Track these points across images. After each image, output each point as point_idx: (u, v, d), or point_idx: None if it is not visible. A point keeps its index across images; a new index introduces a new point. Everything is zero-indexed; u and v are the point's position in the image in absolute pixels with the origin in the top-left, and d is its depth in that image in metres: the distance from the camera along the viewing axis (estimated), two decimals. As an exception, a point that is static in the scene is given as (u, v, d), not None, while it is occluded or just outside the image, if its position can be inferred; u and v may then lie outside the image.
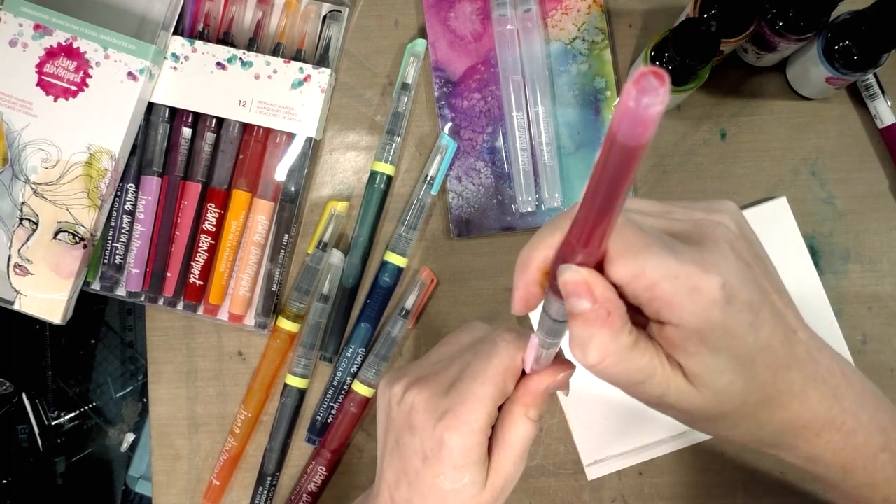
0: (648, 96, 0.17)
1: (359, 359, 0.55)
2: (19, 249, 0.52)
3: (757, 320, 0.28)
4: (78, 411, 0.99)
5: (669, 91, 0.17)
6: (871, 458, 0.32)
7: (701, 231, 0.28)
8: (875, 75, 0.55)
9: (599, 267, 0.27)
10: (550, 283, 0.27)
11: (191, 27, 0.55)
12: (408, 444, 0.34)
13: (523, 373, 0.34)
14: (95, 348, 1.00)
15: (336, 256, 0.55)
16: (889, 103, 0.55)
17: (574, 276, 0.25)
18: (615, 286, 0.27)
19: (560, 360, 0.34)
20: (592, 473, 0.54)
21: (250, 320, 0.55)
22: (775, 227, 0.55)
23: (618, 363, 0.27)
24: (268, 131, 0.55)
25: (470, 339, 0.37)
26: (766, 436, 0.31)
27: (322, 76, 0.54)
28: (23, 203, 0.52)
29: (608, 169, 0.20)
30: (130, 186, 0.54)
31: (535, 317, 0.55)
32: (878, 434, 0.32)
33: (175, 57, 0.54)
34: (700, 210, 0.30)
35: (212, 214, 0.54)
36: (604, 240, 0.24)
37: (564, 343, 0.30)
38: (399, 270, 0.55)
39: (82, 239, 0.52)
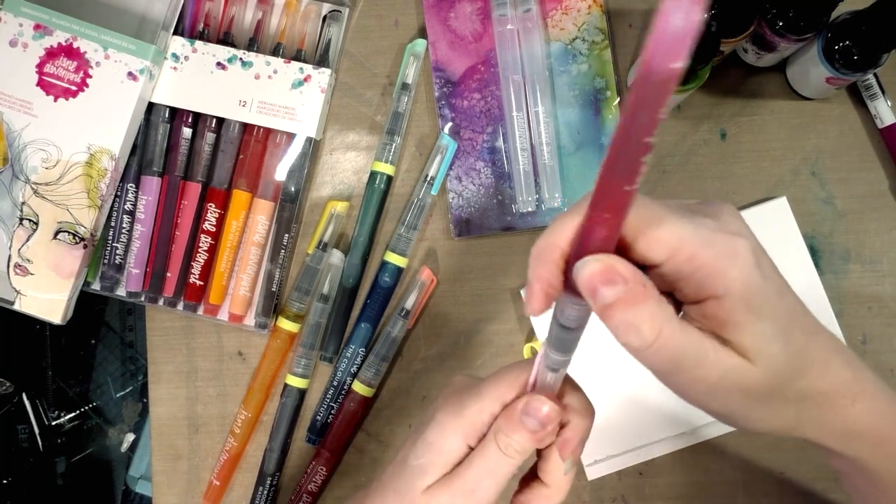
0: (685, 11, 0.17)
1: (359, 359, 0.55)
2: (19, 249, 0.52)
3: (783, 285, 0.28)
4: (78, 411, 0.99)
5: (704, 7, 0.17)
6: None
7: (710, 208, 0.28)
8: (875, 75, 0.55)
9: (625, 253, 0.26)
10: (565, 281, 0.26)
11: (191, 27, 0.55)
12: (416, 432, 0.34)
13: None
14: (95, 348, 1.00)
15: (336, 256, 0.55)
16: (889, 103, 0.55)
17: (594, 266, 0.24)
18: (647, 268, 0.26)
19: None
20: (592, 473, 0.54)
21: (250, 320, 0.55)
22: (775, 227, 0.55)
23: (672, 335, 0.25)
24: (268, 131, 0.55)
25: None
26: (808, 413, 0.30)
27: (322, 76, 0.54)
28: (23, 203, 0.52)
29: (637, 115, 0.19)
30: (130, 186, 0.54)
31: (538, 321, 0.55)
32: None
33: (175, 57, 0.54)
34: (702, 204, 0.30)
35: (212, 214, 0.54)
36: (628, 205, 0.22)
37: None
38: (399, 270, 0.55)
39: (82, 239, 0.52)
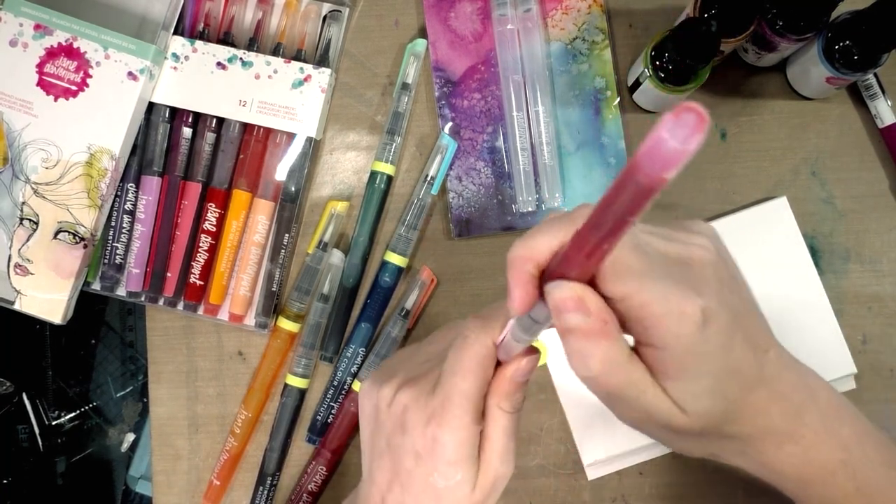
0: (686, 133, 0.17)
1: (359, 359, 0.55)
2: (20, 249, 0.52)
3: (729, 342, 0.29)
4: (78, 411, 0.99)
5: (704, 135, 0.17)
6: (830, 473, 0.32)
7: (687, 252, 0.29)
8: (875, 75, 0.55)
9: (591, 279, 0.27)
10: (540, 290, 0.27)
11: (191, 27, 0.55)
12: (400, 445, 0.34)
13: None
14: (95, 348, 1.00)
15: (336, 256, 0.55)
16: (889, 103, 0.55)
17: (565, 292, 0.26)
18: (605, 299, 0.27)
19: (524, 350, 0.34)
20: (592, 473, 0.54)
21: (250, 320, 0.55)
22: (775, 227, 0.55)
23: (617, 372, 0.27)
24: (268, 131, 0.55)
25: (451, 336, 0.37)
26: (730, 448, 0.32)
27: (322, 76, 0.54)
28: (23, 203, 0.52)
29: (621, 199, 0.20)
30: (131, 186, 0.54)
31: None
32: (838, 450, 0.32)
33: (175, 57, 0.54)
34: (682, 230, 0.31)
35: (212, 214, 0.54)
36: (604, 259, 0.24)
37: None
38: (399, 270, 0.55)
39: (82, 239, 0.52)
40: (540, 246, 0.28)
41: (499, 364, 0.34)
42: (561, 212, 0.31)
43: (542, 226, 0.28)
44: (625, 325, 0.28)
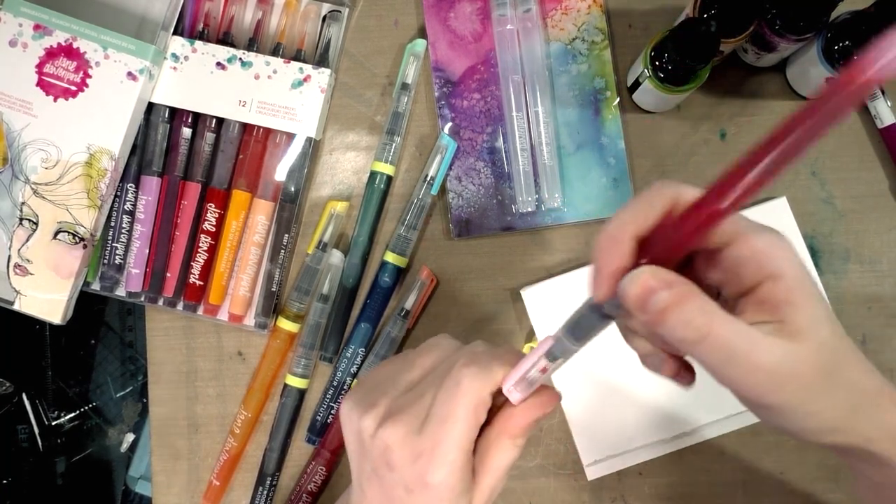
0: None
1: (359, 359, 0.55)
2: (19, 249, 0.52)
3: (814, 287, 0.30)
4: (78, 411, 0.99)
5: None
6: None
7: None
8: (875, 75, 0.55)
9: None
10: (636, 262, 0.28)
11: (191, 27, 0.55)
12: (387, 478, 0.33)
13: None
14: (95, 348, 1.00)
15: (336, 256, 0.55)
16: (889, 103, 0.55)
17: (642, 278, 0.27)
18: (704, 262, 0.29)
19: (545, 389, 0.34)
20: (592, 473, 0.54)
21: (250, 320, 0.55)
22: (775, 226, 0.55)
23: (722, 325, 0.27)
24: (268, 131, 0.55)
25: (435, 360, 0.36)
26: (862, 405, 0.30)
27: (322, 76, 0.54)
28: (23, 203, 0.52)
29: (824, 108, 0.22)
30: (130, 186, 0.54)
31: (537, 321, 0.55)
32: None
33: (175, 57, 0.54)
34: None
35: (212, 214, 0.54)
36: (749, 196, 0.26)
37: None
38: (399, 270, 0.55)
39: (82, 239, 0.52)
40: (629, 222, 0.28)
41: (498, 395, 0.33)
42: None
43: (630, 203, 0.29)
44: (723, 287, 0.29)
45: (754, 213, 0.55)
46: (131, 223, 0.55)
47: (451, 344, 0.37)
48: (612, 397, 0.54)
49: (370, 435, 0.33)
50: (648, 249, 0.28)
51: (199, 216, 0.55)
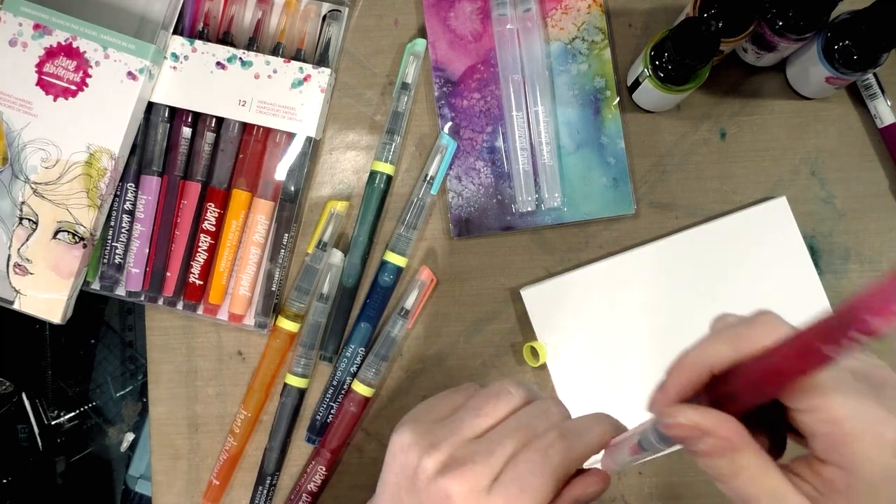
0: None
1: (358, 358, 0.55)
2: (19, 249, 0.52)
3: None
4: (78, 411, 0.99)
5: None
6: None
7: (878, 372, 0.27)
8: (875, 75, 0.55)
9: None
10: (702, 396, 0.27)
11: (191, 27, 0.55)
12: None
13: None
14: (95, 348, 1.00)
15: (336, 256, 0.55)
16: (889, 103, 0.55)
17: (678, 426, 0.26)
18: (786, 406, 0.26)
19: (595, 471, 0.33)
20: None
21: (250, 320, 0.55)
22: (775, 226, 0.55)
23: (749, 482, 0.26)
24: (268, 131, 0.55)
25: (508, 411, 0.34)
26: None
27: (322, 76, 0.54)
28: (22, 203, 0.52)
29: (833, 335, 0.20)
30: (130, 186, 0.54)
31: (537, 320, 0.55)
32: None
33: (175, 56, 0.54)
34: (873, 365, 0.29)
35: (211, 214, 0.54)
36: (792, 383, 0.24)
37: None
38: (399, 270, 0.55)
39: (82, 238, 0.52)
40: (710, 354, 0.27)
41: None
42: (734, 317, 0.30)
43: (720, 334, 0.28)
44: (808, 441, 0.27)
45: (754, 213, 0.55)
46: (131, 223, 0.55)
47: (521, 394, 0.35)
48: (613, 397, 0.54)
49: (428, 477, 0.32)
50: (721, 386, 0.27)
51: (198, 216, 0.55)
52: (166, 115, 0.54)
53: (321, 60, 0.56)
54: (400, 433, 0.34)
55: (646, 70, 0.51)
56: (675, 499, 0.55)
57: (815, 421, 0.26)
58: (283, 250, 0.55)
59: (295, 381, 0.55)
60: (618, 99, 0.56)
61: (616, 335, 0.54)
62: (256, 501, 0.54)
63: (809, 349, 0.22)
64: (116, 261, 0.54)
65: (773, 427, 0.30)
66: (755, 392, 0.26)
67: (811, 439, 0.26)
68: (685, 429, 0.26)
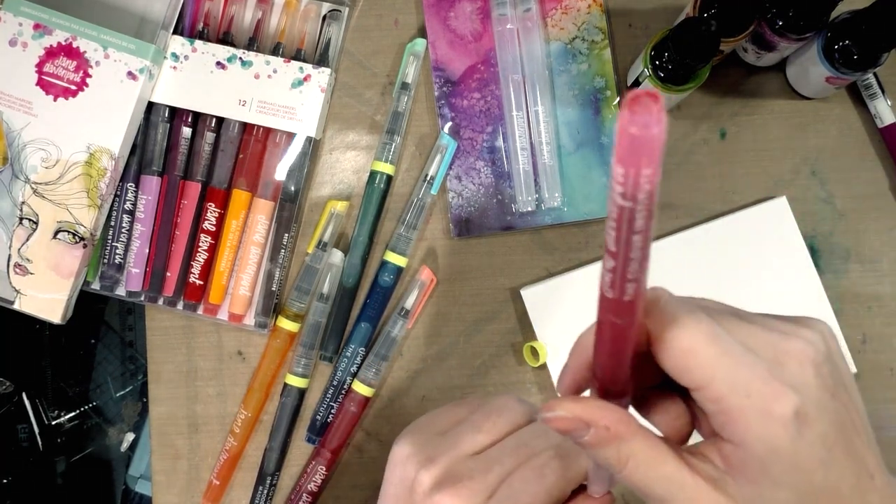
0: (647, 118, 0.16)
1: (359, 358, 0.55)
2: (19, 249, 0.52)
3: (829, 457, 0.25)
4: (78, 411, 0.99)
5: (664, 113, 0.16)
6: None
7: (784, 346, 0.26)
8: (875, 75, 0.55)
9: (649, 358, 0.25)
10: (591, 387, 0.27)
11: (191, 27, 0.55)
12: None
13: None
14: (95, 348, 1.00)
15: (336, 256, 0.55)
16: (889, 103, 0.55)
17: (558, 419, 0.25)
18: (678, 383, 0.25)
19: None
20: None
21: (250, 320, 0.55)
22: (775, 226, 0.55)
23: (640, 468, 0.25)
24: (268, 131, 0.55)
25: (508, 428, 0.34)
26: None
27: (322, 76, 0.54)
28: (23, 202, 0.52)
29: (622, 220, 0.19)
30: (130, 186, 0.54)
31: (537, 320, 0.55)
32: None
33: (175, 56, 0.54)
34: (789, 322, 0.27)
35: (212, 214, 0.54)
36: (636, 307, 0.22)
37: None
38: (399, 270, 0.55)
39: (82, 238, 0.52)
40: (589, 341, 0.26)
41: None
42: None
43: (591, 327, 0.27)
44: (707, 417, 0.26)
45: (754, 213, 0.55)
46: (131, 222, 0.55)
47: (523, 411, 0.35)
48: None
49: (424, 492, 0.32)
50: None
51: (199, 216, 0.55)
52: (166, 114, 0.54)
53: (321, 60, 0.56)
54: (400, 444, 0.34)
55: (646, 70, 0.51)
56: (675, 499, 0.54)
57: (701, 399, 0.25)
58: (283, 250, 0.55)
59: (295, 381, 0.55)
60: (618, 99, 0.56)
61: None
62: (256, 501, 0.54)
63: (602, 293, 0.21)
64: (116, 261, 0.54)
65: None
66: (603, 367, 0.25)
67: (708, 417, 0.26)
68: (566, 421, 0.25)
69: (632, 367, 0.25)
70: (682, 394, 0.27)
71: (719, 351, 0.24)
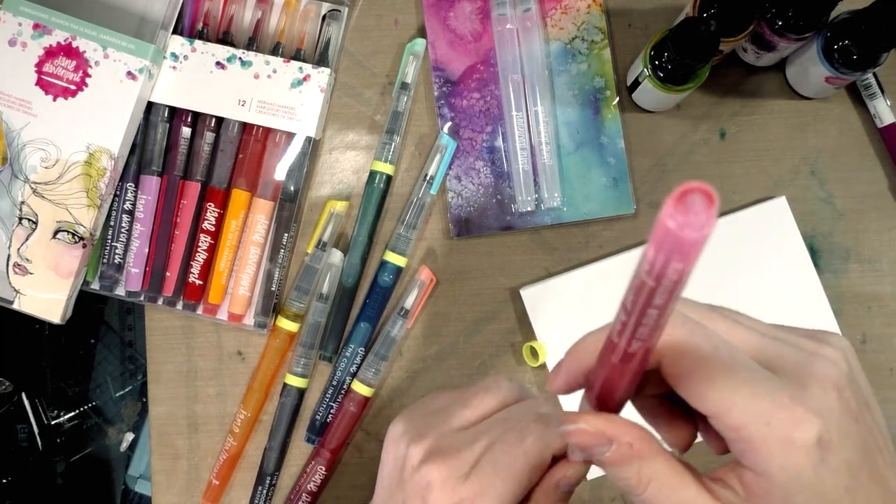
0: (695, 219, 0.15)
1: (358, 358, 0.55)
2: (19, 249, 0.52)
3: (854, 483, 0.24)
4: (77, 411, 0.99)
5: (716, 215, 0.15)
6: None
7: (805, 365, 0.25)
8: (874, 75, 0.55)
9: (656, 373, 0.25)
10: (586, 393, 0.26)
11: (190, 26, 0.55)
12: None
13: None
14: (95, 348, 1.00)
15: (336, 256, 0.55)
16: (888, 103, 0.55)
17: (580, 432, 0.24)
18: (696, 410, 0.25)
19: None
20: (591, 473, 0.54)
21: (250, 320, 0.55)
22: (775, 226, 0.55)
23: (659, 491, 0.25)
24: (267, 131, 0.55)
25: (496, 405, 0.35)
26: None
27: (321, 75, 0.54)
28: (22, 202, 0.52)
29: (641, 297, 0.18)
30: (130, 186, 0.54)
31: (537, 320, 0.55)
32: None
33: (174, 56, 0.54)
34: (808, 339, 0.26)
35: (211, 214, 0.54)
36: (643, 362, 0.22)
37: None
38: (398, 270, 0.55)
39: (82, 238, 0.52)
40: (591, 342, 0.26)
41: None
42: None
43: (594, 332, 0.26)
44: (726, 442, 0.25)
45: (754, 213, 0.55)
46: (131, 222, 0.55)
47: (511, 389, 0.35)
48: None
49: (413, 466, 0.32)
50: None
51: (198, 215, 0.55)
52: (166, 114, 0.54)
53: (321, 60, 0.56)
54: (394, 424, 0.35)
55: (645, 70, 0.51)
56: (674, 498, 0.54)
57: (721, 427, 0.24)
58: (282, 250, 0.55)
59: (295, 381, 0.55)
60: (617, 99, 0.56)
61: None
62: (256, 501, 0.54)
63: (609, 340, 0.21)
64: (116, 261, 0.54)
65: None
66: (600, 390, 0.25)
67: (728, 443, 0.25)
68: (588, 435, 0.24)
69: (635, 388, 0.25)
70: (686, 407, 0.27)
71: (738, 381, 0.24)
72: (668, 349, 0.24)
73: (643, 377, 0.25)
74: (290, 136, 0.54)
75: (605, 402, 0.25)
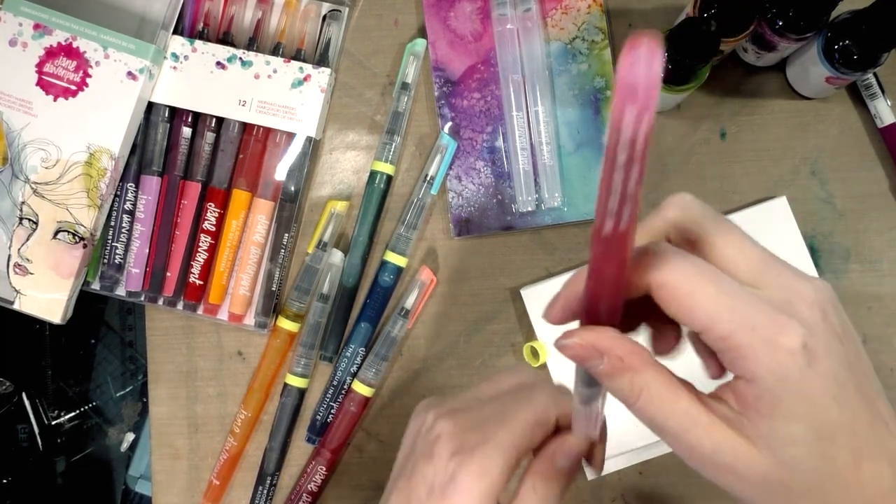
0: (639, 59, 0.17)
1: (359, 358, 0.55)
2: (19, 249, 0.52)
3: (842, 394, 0.24)
4: (78, 411, 0.99)
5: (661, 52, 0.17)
6: None
7: (790, 287, 0.26)
8: (875, 75, 0.55)
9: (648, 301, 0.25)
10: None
11: (191, 27, 0.55)
12: (421, 473, 0.32)
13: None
14: (95, 348, 1.00)
15: (336, 256, 0.55)
16: (889, 103, 0.55)
17: (574, 346, 0.25)
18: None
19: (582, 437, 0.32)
20: (592, 473, 0.54)
21: (250, 320, 0.55)
22: (775, 226, 0.55)
23: (653, 403, 0.26)
24: (267, 131, 0.55)
25: (513, 382, 0.35)
26: None
27: (322, 76, 0.54)
28: (22, 203, 0.52)
29: (618, 161, 0.19)
30: (130, 186, 0.54)
31: (537, 320, 0.55)
32: None
33: (175, 56, 0.54)
34: (796, 273, 0.27)
35: (212, 214, 0.54)
36: (626, 250, 0.22)
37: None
38: (399, 270, 0.55)
39: (82, 238, 0.52)
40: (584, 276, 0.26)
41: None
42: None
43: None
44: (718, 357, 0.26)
45: (754, 213, 0.55)
46: (131, 223, 0.55)
47: (531, 373, 0.36)
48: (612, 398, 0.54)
49: (427, 428, 0.33)
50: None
51: (199, 216, 0.55)
52: (166, 114, 0.54)
53: (321, 60, 0.56)
54: (415, 409, 0.36)
55: (646, 70, 0.51)
56: (675, 499, 0.55)
57: (711, 341, 0.25)
58: (283, 250, 0.55)
59: (295, 381, 0.55)
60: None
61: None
62: (256, 501, 0.54)
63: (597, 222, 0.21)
64: (116, 261, 0.54)
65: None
66: (591, 298, 0.25)
67: (720, 357, 0.26)
68: (580, 348, 0.25)
69: (622, 306, 0.25)
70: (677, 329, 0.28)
71: (719, 291, 0.25)
72: (657, 276, 0.25)
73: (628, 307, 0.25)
74: (291, 136, 0.54)
75: (595, 312, 0.25)
